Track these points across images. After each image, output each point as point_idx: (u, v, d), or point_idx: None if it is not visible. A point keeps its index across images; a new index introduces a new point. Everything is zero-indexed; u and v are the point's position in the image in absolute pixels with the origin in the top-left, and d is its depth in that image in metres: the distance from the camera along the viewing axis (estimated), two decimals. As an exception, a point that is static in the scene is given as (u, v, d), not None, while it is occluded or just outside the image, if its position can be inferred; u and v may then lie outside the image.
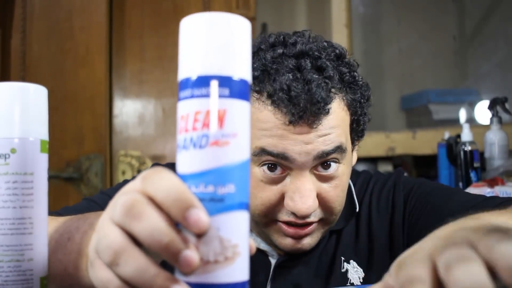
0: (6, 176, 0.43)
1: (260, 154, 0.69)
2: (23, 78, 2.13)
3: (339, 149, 0.69)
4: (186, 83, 0.38)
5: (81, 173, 2.13)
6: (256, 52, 0.72)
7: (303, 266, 0.80)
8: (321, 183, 0.71)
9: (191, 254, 0.34)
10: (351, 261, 0.80)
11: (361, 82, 0.75)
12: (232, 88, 0.38)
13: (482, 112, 2.09)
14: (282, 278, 0.79)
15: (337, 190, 0.72)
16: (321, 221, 0.73)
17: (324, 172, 0.70)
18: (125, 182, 0.89)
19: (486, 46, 2.30)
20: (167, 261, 0.35)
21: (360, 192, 0.86)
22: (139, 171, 2.22)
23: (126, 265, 0.35)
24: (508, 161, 1.39)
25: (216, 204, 0.36)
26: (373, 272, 0.80)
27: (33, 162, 0.44)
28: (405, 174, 1.93)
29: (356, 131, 0.76)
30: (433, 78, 2.36)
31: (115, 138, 2.24)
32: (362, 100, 0.76)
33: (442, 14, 2.40)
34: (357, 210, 0.83)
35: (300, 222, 0.70)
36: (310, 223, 0.71)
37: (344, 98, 0.72)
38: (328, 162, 0.70)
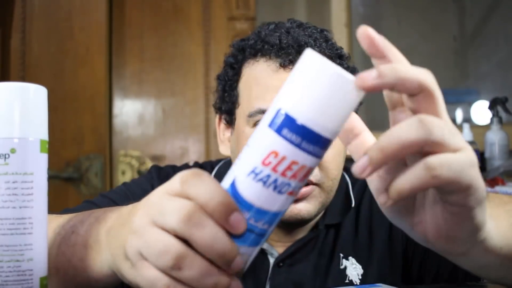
0: (6, 176, 0.43)
1: (255, 115, 0.74)
2: (22, 78, 2.13)
3: None
4: (293, 124, 0.37)
5: (81, 173, 2.13)
6: (253, 32, 0.81)
7: (302, 264, 0.80)
8: None
9: (241, 261, 0.38)
10: (350, 257, 0.80)
11: (347, 56, 0.81)
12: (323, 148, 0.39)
13: (479, 112, 2.09)
14: (281, 276, 0.79)
15: (332, 151, 0.74)
16: (317, 186, 0.74)
17: None
18: (125, 185, 0.89)
19: (486, 46, 2.30)
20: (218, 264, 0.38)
21: (361, 189, 0.86)
22: (139, 171, 2.22)
23: (190, 269, 0.37)
24: (508, 161, 1.38)
25: (259, 238, 0.39)
26: (372, 269, 0.80)
27: (33, 162, 0.44)
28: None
29: None
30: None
31: (115, 138, 2.23)
32: (350, 72, 0.79)
33: (442, 14, 2.40)
34: (353, 205, 0.84)
35: None
36: (307, 184, 0.72)
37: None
38: None
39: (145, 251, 0.39)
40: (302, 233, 0.82)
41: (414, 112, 0.40)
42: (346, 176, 0.88)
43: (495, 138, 1.45)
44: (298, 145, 0.37)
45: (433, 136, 0.37)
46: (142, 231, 0.39)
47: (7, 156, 0.43)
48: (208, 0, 2.25)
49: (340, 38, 2.08)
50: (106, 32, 2.17)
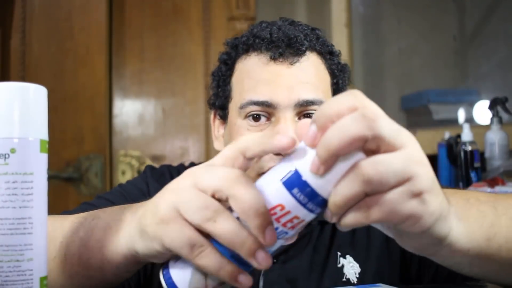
0: (6, 176, 0.43)
1: (246, 106, 0.75)
2: (23, 78, 2.13)
3: (320, 102, 0.75)
4: (303, 184, 0.41)
5: (81, 173, 2.13)
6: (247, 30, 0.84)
7: (296, 260, 0.80)
8: None
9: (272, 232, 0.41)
10: (348, 256, 0.80)
11: (338, 53, 0.83)
12: None
13: (481, 112, 2.09)
14: (275, 272, 0.79)
15: None
16: None
17: None
18: (120, 186, 0.90)
19: (486, 46, 2.30)
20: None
21: None
22: (139, 171, 2.22)
23: (223, 223, 0.41)
24: (508, 161, 1.39)
25: (244, 267, 0.44)
26: (370, 267, 0.80)
27: (32, 162, 0.44)
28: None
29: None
30: (433, 78, 2.36)
31: (115, 138, 2.23)
32: (340, 68, 0.83)
33: (442, 14, 2.40)
34: None
35: None
36: None
37: (322, 59, 0.80)
38: (311, 114, 0.74)
39: (183, 206, 0.42)
40: None
41: (374, 153, 0.41)
42: None
43: (495, 138, 1.45)
44: (303, 205, 0.41)
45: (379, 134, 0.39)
46: (182, 190, 0.43)
47: (7, 156, 0.43)
48: (208, 0, 2.25)
49: (340, 38, 2.09)
50: (106, 32, 2.17)
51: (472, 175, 1.43)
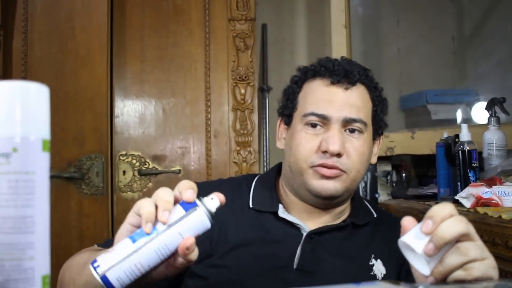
0: (8, 175, 0.43)
1: (308, 116, 0.98)
2: (24, 79, 2.12)
3: (361, 122, 0.98)
4: None
5: (82, 173, 2.13)
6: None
7: (329, 242, 0.98)
8: (347, 141, 0.97)
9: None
10: (379, 260, 0.99)
11: (380, 89, 1.06)
12: None
13: (480, 112, 2.09)
14: (311, 245, 0.97)
15: (357, 152, 0.97)
16: (344, 173, 0.96)
17: (350, 135, 0.98)
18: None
19: (485, 46, 2.30)
20: None
21: (378, 209, 1.12)
22: (139, 171, 2.22)
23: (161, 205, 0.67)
24: (506, 160, 1.39)
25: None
26: (391, 274, 0.98)
27: (34, 161, 0.44)
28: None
29: (377, 120, 1.04)
30: (432, 78, 2.36)
31: (116, 138, 2.24)
32: (381, 100, 1.05)
33: (441, 14, 2.41)
34: (375, 215, 1.07)
35: (330, 164, 0.95)
36: (337, 168, 0.95)
37: (368, 91, 1.02)
38: (353, 129, 0.98)
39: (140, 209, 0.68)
40: (330, 218, 1.03)
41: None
42: (366, 202, 1.12)
43: (493, 138, 1.45)
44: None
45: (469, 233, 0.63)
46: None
47: (8, 155, 0.43)
48: (208, 1, 2.26)
49: (339, 39, 2.09)
50: (107, 32, 2.18)
51: (470, 174, 1.43)
